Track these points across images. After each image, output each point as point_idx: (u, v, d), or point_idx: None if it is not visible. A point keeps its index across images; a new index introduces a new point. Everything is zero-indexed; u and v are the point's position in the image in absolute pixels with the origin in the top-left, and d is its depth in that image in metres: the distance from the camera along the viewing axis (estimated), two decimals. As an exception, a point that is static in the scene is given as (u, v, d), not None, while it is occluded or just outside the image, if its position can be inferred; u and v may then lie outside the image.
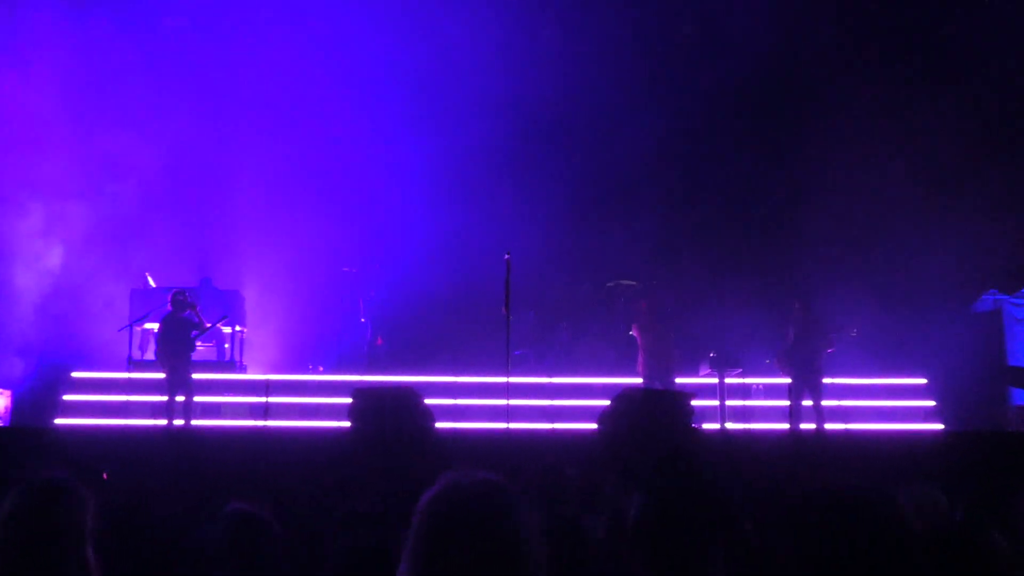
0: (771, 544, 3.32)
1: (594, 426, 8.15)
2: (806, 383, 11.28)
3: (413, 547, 1.79)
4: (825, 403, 11.34)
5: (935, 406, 12.54)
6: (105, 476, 5.73)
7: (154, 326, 12.20)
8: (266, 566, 3.25)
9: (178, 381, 11.27)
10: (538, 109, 14.97)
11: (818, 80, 14.37)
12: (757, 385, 12.59)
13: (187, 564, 3.59)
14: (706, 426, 11.22)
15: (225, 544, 3.23)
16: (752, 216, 14.48)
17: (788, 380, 11.47)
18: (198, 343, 11.83)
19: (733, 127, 14.76)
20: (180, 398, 11.24)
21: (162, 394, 11.37)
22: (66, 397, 12.49)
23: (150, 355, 12.70)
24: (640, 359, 11.96)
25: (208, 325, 11.81)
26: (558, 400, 12.47)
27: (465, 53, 14.69)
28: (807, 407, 11.22)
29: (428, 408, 8.74)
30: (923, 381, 12.84)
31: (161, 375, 11.44)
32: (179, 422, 11.13)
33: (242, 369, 13.60)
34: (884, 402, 12.56)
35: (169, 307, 11.56)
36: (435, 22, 15.18)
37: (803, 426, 11.15)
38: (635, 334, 12.15)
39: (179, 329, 11.43)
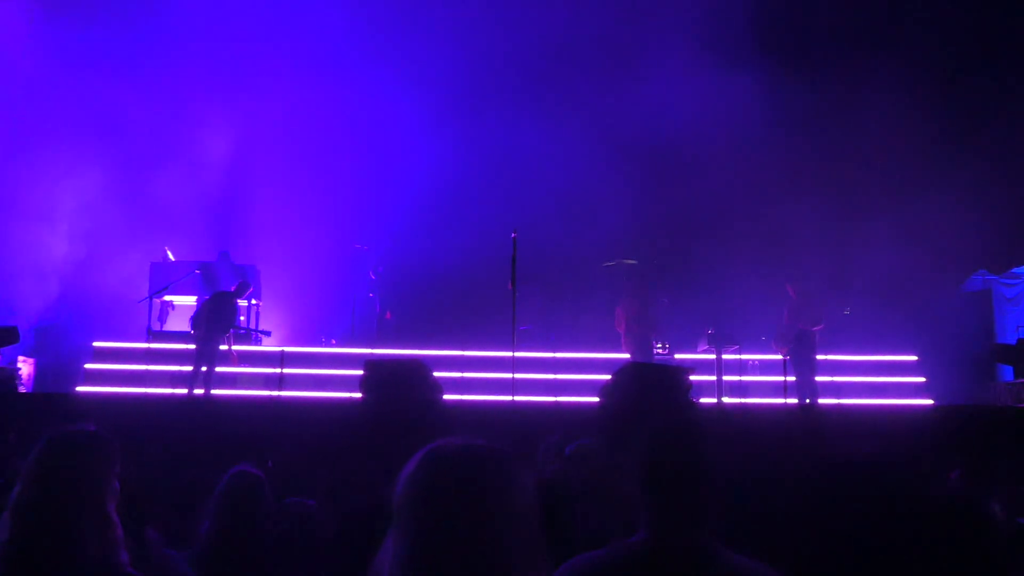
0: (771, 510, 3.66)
1: (596, 399, 8.49)
2: (800, 359, 11.50)
3: (397, 518, 1.73)
4: (818, 379, 11.52)
5: (925, 382, 12.74)
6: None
7: (174, 298, 12.52)
8: (255, 518, 3.71)
9: (208, 353, 11.55)
10: (544, 86, 15.17)
11: (813, 59, 14.43)
12: (753, 361, 12.78)
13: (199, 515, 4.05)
14: (704, 400, 11.56)
15: (226, 498, 3.73)
16: (748, 196, 14.64)
17: (783, 357, 11.66)
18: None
19: (731, 107, 14.84)
20: (203, 368, 11.50)
21: (180, 363, 11.62)
22: (88, 365, 12.74)
23: (169, 326, 13.03)
24: (623, 336, 12.05)
25: (242, 326, 12.14)
26: (562, 374, 12.65)
27: (474, 32, 14.88)
28: (801, 382, 11.42)
29: (437, 380, 9.09)
30: (914, 358, 13.03)
31: (179, 345, 11.70)
32: (199, 391, 11.43)
33: (258, 341, 13.83)
34: (876, 378, 12.72)
35: (232, 288, 11.91)
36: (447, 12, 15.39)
37: (797, 400, 11.36)
38: (620, 312, 12.15)
39: (229, 309, 11.81)
